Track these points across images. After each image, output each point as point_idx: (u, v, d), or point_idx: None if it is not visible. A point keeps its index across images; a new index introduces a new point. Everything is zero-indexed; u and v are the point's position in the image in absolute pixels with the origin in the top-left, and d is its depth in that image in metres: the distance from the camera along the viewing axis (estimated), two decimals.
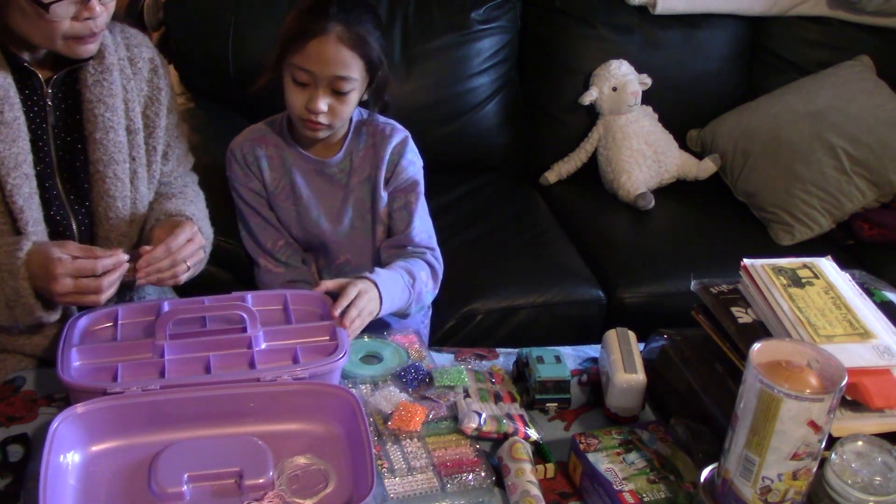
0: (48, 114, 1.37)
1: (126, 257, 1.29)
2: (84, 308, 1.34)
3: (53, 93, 1.37)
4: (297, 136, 1.66)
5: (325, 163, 1.66)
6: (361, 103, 1.64)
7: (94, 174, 1.40)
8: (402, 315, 1.63)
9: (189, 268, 1.36)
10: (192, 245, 1.37)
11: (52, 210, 1.38)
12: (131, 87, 1.44)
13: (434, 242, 1.71)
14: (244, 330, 1.30)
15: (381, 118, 1.70)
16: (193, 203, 1.53)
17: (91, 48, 1.32)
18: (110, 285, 1.27)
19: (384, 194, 1.68)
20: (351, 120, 1.66)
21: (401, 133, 1.69)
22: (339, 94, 1.53)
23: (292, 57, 1.52)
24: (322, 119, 1.55)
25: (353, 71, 1.52)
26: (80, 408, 1.14)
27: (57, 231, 1.38)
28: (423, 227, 1.70)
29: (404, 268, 1.58)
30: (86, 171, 1.41)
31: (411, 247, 1.67)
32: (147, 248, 1.32)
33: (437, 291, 1.70)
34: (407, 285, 1.55)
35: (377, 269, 1.50)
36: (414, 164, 1.71)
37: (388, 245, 1.69)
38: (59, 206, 1.39)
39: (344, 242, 1.70)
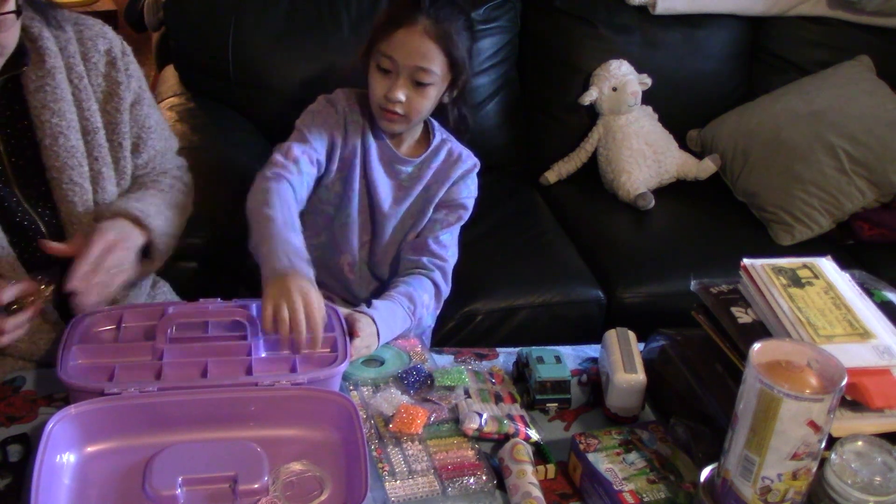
0: None
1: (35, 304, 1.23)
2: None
3: None
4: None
5: (400, 158, 1.70)
6: (440, 111, 1.68)
7: (50, 180, 1.36)
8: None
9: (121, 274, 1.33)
10: (115, 254, 1.30)
11: (17, 217, 1.35)
12: (84, 85, 1.38)
13: (451, 262, 1.71)
14: (245, 337, 1.29)
15: (459, 144, 1.75)
16: (155, 196, 1.46)
17: None
18: (15, 327, 1.22)
19: (431, 210, 1.72)
20: (433, 135, 1.71)
21: (471, 161, 1.74)
22: (418, 85, 1.57)
23: (379, 44, 1.57)
24: (399, 109, 1.58)
25: (435, 65, 1.56)
26: (76, 408, 1.14)
27: (27, 236, 1.35)
28: (448, 242, 1.72)
29: (406, 294, 1.58)
30: (41, 177, 1.37)
31: (427, 256, 1.68)
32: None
33: (438, 311, 1.72)
34: (408, 313, 1.55)
35: (375, 303, 1.49)
36: (470, 193, 1.74)
37: (409, 247, 1.71)
38: (24, 213, 1.36)
39: (382, 231, 1.72)
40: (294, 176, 1.55)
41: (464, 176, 1.73)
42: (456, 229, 1.74)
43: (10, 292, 1.21)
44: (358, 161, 1.68)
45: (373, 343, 1.42)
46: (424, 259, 1.67)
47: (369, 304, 1.48)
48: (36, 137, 1.35)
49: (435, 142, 1.72)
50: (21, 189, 1.36)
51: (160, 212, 1.43)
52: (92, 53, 1.41)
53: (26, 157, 1.36)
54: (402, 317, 1.53)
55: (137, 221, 1.37)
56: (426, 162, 1.71)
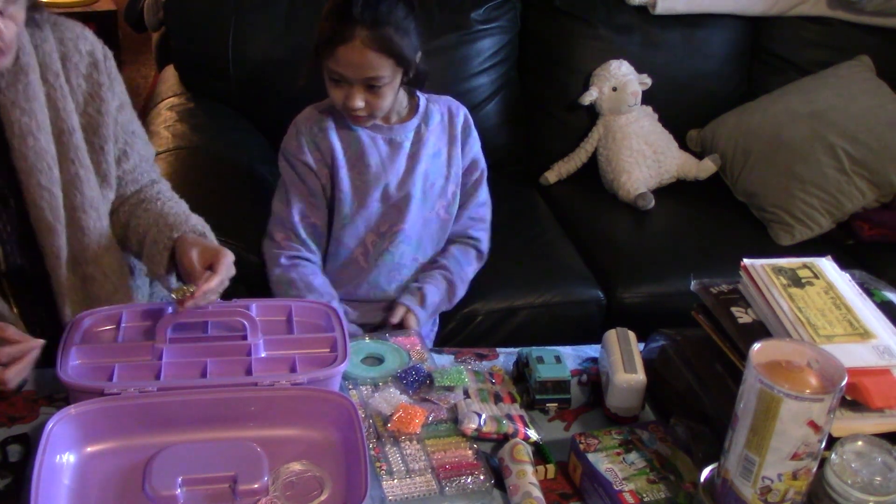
0: None
1: (40, 343, 1.21)
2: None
3: None
4: None
5: (393, 129, 1.74)
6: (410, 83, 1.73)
7: (20, 183, 1.33)
8: None
9: None
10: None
11: None
12: (60, 84, 1.35)
13: (490, 212, 1.89)
14: (245, 337, 1.29)
15: (441, 97, 1.82)
16: (192, 214, 1.47)
17: (2, 62, 1.24)
18: (17, 374, 1.18)
19: (459, 170, 1.81)
20: (417, 97, 1.77)
21: (462, 110, 1.84)
22: (373, 88, 1.61)
23: (326, 60, 1.60)
24: (361, 112, 1.64)
25: (383, 70, 1.59)
26: (75, 408, 1.14)
27: None
28: (485, 196, 1.87)
29: (448, 279, 1.80)
30: (14, 179, 1.33)
31: (473, 227, 1.85)
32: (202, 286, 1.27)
33: (480, 265, 1.90)
34: (444, 299, 1.80)
35: (425, 291, 1.74)
36: (477, 140, 1.85)
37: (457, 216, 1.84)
38: None
39: (404, 212, 1.76)
40: (302, 249, 1.73)
41: (466, 128, 1.81)
42: (484, 180, 1.86)
43: (11, 350, 1.18)
44: (343, 161, 1.71)
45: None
46: (471, 231, 1.85)
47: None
48: (5, 137, 1.32)
49: (422, 103, 1.77)
50: None
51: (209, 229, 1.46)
52: (73, 54, 1.38)
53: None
54: (439, 300, 1.78)
55: (204, 236, 1.42)
56: (423, 123, 1.77)
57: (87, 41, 1.41)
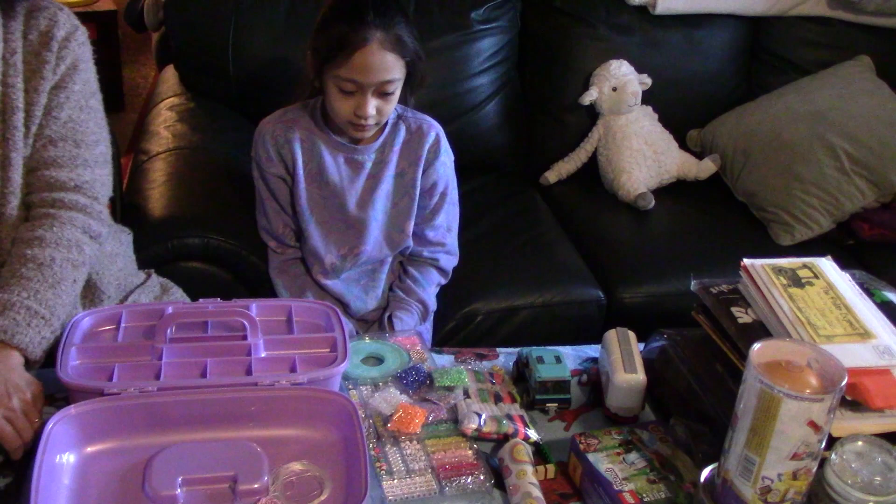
0: None
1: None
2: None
3: None
4: (331, 123, 1.70)
5: (356, 149, 1.71)
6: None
7: None
8: None
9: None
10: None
11: None
12: (15, 61, 1.31)
13: (452, 234, 1.83)
14: (245, 337, 1.29)
15: (417, 114, 1.77)
16: (36, 282, 1.26)
17: None
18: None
19: (418, 191, 1.76)
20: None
21: (434, 130, 1.76)
22: (385, 94, 1.60)
23: (336, 69, 1.56)
24: (371, 121, 1.61)
25: (397, 72, 1.58)
26: (75, 408, 1.14)
27: None
28: (442, 222, 1.81)
29: (421, 300, 1.79)
30: None
31: (428, 247, 1.80)
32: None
33: (445, 281, 1.86)
34: (418, 321, 1.78)
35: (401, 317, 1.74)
36: (445, 165, 1.79)
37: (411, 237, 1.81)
38: None
39: (364, 232, 1.74)
40: (297, 251, 1.77)
41: (435, 150, 1.75)
42: (448, 207, 1.80)
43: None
44: (302, 174, 1.70)
45: None
46: (426, 253, 1.79)
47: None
48: None
49: (391, 118, 1.72)
50: None
51: (36, 311, 1.25)
52: (31, 31, 1.34)
53: None
54: (415, 323, 1.73)
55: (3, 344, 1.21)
56: (388, 143, 1.73)
57: (52, 21, 1.35)
